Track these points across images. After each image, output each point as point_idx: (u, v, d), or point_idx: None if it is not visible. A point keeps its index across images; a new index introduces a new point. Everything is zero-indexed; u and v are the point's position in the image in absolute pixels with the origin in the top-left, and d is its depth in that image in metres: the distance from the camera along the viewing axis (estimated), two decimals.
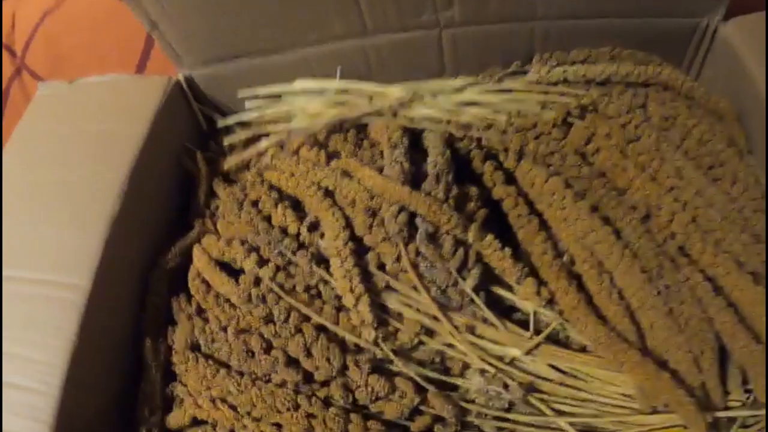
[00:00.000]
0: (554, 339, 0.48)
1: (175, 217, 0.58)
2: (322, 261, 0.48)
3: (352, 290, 0.46)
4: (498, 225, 0.52)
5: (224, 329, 0.48)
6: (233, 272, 0.50)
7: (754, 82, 0.51)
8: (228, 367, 0.47)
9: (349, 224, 0.49)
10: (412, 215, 0.48)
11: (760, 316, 0.45)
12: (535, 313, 0.47)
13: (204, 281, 0.51)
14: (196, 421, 0.48)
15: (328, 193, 0.51)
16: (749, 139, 0.53)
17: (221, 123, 0.59)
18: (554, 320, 0.47)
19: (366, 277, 0.47)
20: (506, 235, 0.50)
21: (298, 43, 0.57)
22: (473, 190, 0.51)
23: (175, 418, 0.48)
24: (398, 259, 0.47)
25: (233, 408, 0.46)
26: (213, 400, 0.47)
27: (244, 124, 0.59)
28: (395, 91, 0.54)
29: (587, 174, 0.50)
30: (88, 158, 0.53)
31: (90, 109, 0.56)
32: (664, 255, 0.47)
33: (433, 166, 0.50)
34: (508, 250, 0.47)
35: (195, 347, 0.49)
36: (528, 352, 0.46)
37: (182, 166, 0.60)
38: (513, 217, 0.51)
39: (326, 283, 0.48)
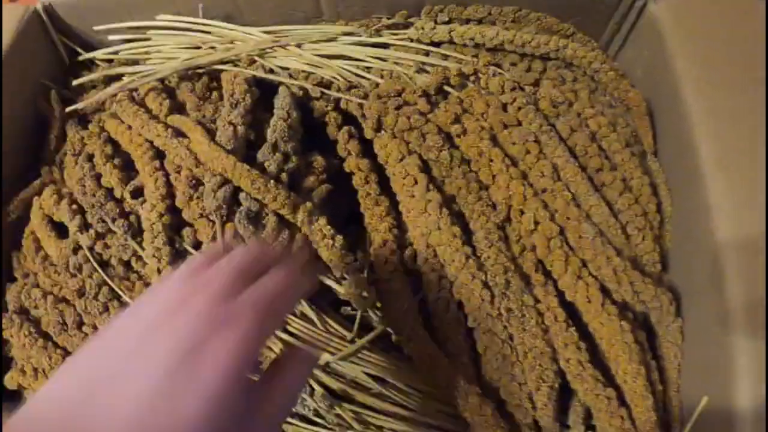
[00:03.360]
0: (385, 343, 0.42)
1: (30, 162, 0.52)
2: (140, 233, 0.42)
3: (159, 271, 0.40)
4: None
5: (46, 296, 0.44)
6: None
7: (675, 74, 0.40)
8: (48, 337, 0.43)
9: (171, 194, 0.42)
10: (239, 189, 0.41)
11: (619, 355, 0.38)
12: (362, 313, 0.41)
13: (36, 239, 0.46)
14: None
15: (160, 154, 0.44)
16: (657, 139, 0.43)
17: (80, 59, 0.52)
18: (378, 326, 0.40)
19: (180, 254, 0.42)
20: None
21: None
22: (318, 161, 0.43)
23: (9, 380, 0.45)
24: (214, 237, 0.41)
25: None
26: (35, 370, 0.43)
27: (108, 61, 0.52)
28: (255, 37, 0.46)
29: (447, 159, 0.41)
30: None
31: None
32: (516, 270, 0.39)
33: (272, 131, 0.42)
34: (339, 240, 0.39)
35: (24, 311, 0.45)
36: (343, 359, 0.40)
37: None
38: (361, 195, 0.43)
39: (140, 258, 0.43)
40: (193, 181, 0.41)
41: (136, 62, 0.50)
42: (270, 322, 0.26)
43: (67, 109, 0.50)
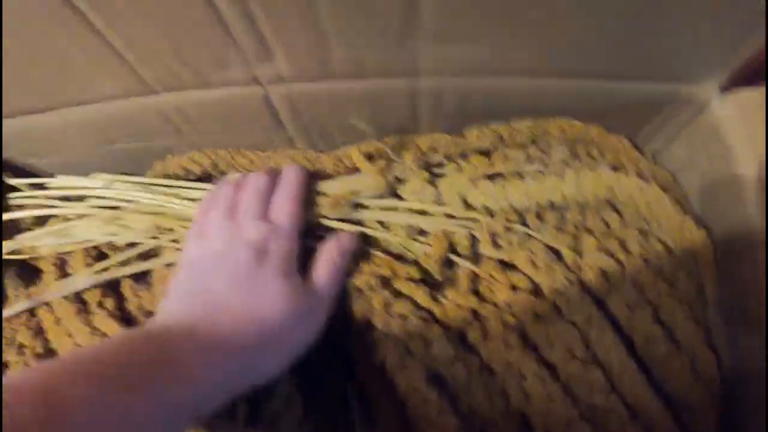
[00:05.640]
0: None
1: None
2: None
3: None
4: None
5: None
6: None
7: (744, 188, 0.28)
8: None
9: None
10: None
11: None
12: None
13: None
14: None
15: None
16: (716, 288, 0.31)
17: (10, 197, 0.41)
18: None
19: None
20: None
21: (66, 103, 0.35)
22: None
23: None
24: None
25: None
26: None
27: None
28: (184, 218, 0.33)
29: (463, 376, 0.30)
30: None
31: None
32: None
33: None
34: None
35: None
36: None
37: None
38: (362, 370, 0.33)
39: None
40: None
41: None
42: (298, 209, 0.31)
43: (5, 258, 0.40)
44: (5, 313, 0.39)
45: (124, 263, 0.35)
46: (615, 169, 0.32)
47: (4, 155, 0.42)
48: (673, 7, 0.26)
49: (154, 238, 0.34)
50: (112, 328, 0.33)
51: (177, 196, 0.34)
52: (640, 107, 0.32)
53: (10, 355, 0.37)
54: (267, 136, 0.36)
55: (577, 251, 0.30)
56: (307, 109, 0.34)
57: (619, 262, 0.30)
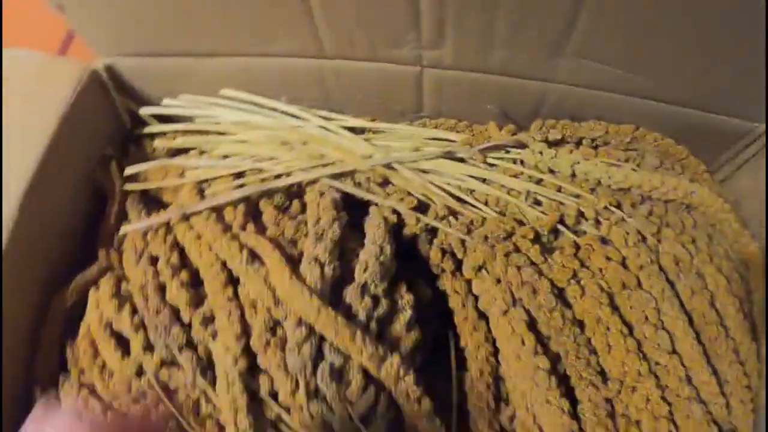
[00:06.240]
0: None
1: (86, 238, 0.45)
2: (210, 367, 0.38)
3: (236, 424, 0.37)
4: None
5: (107, 411, 0.40)
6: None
7: None
8: None
9: (246, 331, 0.38)
10: (323, 339, 0.37)
11: None
12: None
13: (93, 342, 0.42)
14: None
15: (233, 278, 0.39)
16: (763, 294, 0.38)
17: (145, 131, 0.46)
18: None
19: (255, 401, 0.37)
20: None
21: (238, 51, 0.41)
22: (407, 303, 0.38)
23: None
24: (294, 392, 0.37)
25: None
26: None
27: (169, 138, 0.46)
28: (352, 155, 0.39)
29: (560, 322, 0.37)
30: None
31: None
32: None
33: (362, 269, 0.37)
34: (425, 403, 0.35)
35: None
36: None
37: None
38: (458, 319, 0.39)
39: (209, 400, 0.39)
40: (271, 323, 0.37)
41: (202, 152, 0.43)
42: None
43: (127, 187, 0.44)
44: (130, 227, 0.43)
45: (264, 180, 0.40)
46: (693, 181, 0.40)
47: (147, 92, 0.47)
48: (747, 55, 0.34)
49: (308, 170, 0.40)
50: (262, 243, 0.38)
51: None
52: (715, 137, 0.40)
53: (137, 269, 0.41)
54: (402, 110, 0.43)
55: (658, 239, 0.38)
56: (449, 92, 0.41)
57: (689, 253, 0.38)
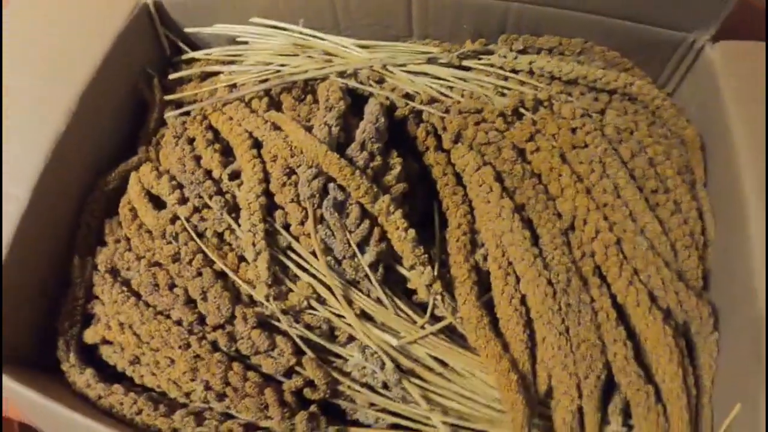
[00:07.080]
0: (449, 330, 0.45)
1: (126, 141, 0.55)
2: (235, 210, 0.46)
3: (254, 244, 0.44)
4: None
5: (140, 259, 0.47)
6: (164, 205, 0.48)
7: (725, 116, 0.44)
8: (139, 296, 0.46)
9: (266, 179, 0.46)
10: (329, 180, 0.45)
11: (660, 355, 0.42)
12: (434, 300, 0.44)
13: (132, 209, 0.50)
14: (106, 341, 0.47)
15: (257, 144, 0.47)
16: (708, 172, 0.47)
17: (184, 57, 0.56)
18: (448, 316, 0.44)
19: (271, 233, 0.45)
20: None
21: None
22: (397, 162, 0.46)
23: (89, 335, 0.47)
24: (303, 222, 0.44)
25: (137, 335, 0.45)
26: (121, 325, 0.45)
27: (206, 57, 0.56)
28: (351, 52, 0.50)
29: (520, 172, 0.45)
30: (43, 70, 0.50)
31: (51, 17, 0.54)
32: (576, 271, 0.42)
33: (361, 132, 0.45)
34: (411, 233, 0.42)
35: (115, 271, 0.48)
36: (410, 343, 0.43)
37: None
38: (440, 185, 0.47)
39: (233, 232, 0.46)
40: (287, 170, 0.45)
41: (233, 63, 0.54)
42: None
43: (167, 97, 0.54)
44: (173, 113, 0.52)
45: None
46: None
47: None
48: None
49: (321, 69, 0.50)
50: (282, 117, 0.47)
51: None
52: (654, 50, 0.49)
53: (177, 148, 0.50)
54: (396, 34, 0.53)
55: (602, 114, 0.47)
56: (433, 16, 0.52)
57: (630, 129, 0.47)
